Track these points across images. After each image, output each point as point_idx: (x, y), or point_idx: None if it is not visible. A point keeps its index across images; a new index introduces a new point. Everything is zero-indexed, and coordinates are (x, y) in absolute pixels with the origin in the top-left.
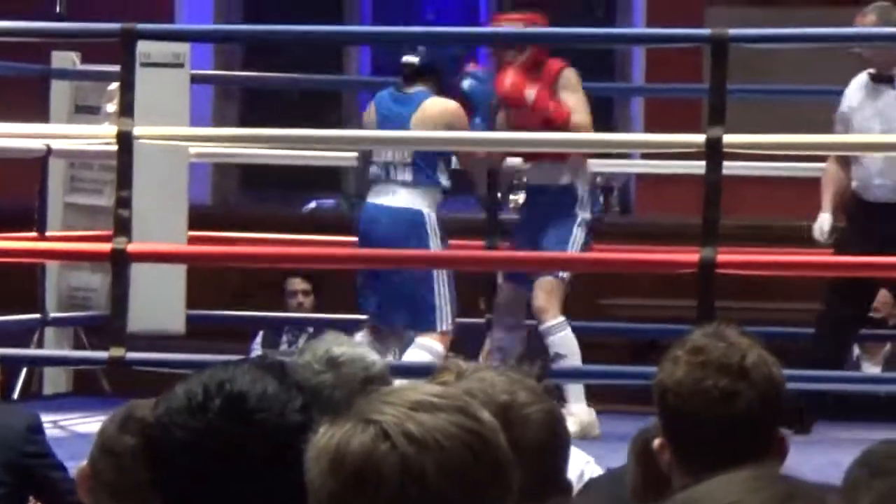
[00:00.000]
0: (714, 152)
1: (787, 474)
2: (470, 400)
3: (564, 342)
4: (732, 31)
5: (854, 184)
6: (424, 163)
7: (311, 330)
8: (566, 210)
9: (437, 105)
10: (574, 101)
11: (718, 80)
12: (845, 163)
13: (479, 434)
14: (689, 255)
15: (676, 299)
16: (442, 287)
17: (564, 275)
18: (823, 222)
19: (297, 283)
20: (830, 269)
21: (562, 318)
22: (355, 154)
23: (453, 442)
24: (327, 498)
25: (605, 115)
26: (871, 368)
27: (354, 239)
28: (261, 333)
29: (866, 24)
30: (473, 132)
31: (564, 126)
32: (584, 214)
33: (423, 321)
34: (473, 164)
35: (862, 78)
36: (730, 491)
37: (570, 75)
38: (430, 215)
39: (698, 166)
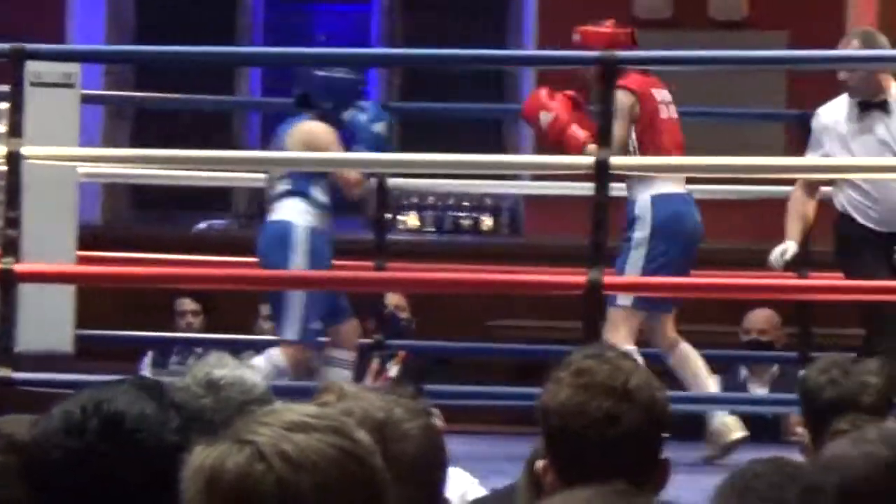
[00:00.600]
0: (602, 174)
1: (633, 493)
2: (346, 420)
3: None
4: (620, 54)
5: (858, 215)
6: (295, 175)
7: (200, 351)
8: (625, 233)
9: (304, 126)
10: None
11: (606, 102)
12: (813, 190)
13: (355, 454)
14: (576, 277)
15: (565, 321)
16: (296, 300)
17: (625, 302)
18: (789, 249)
19: (187, 304)
20: (715, 290)
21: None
22: (245, 174)
23: (329, 462)
24: None
25: (494, 136)
26: (758, 390)
27: (244, 259)
28: (149, 354)
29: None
30: (348, 154)
31: (578, 152)
32: (641, 234)
33: (280, 331)
34: (359, 193)
35: (843, 104)
36: None
37: (617, 98)
38: (299, 228)
39: (588, 188)
